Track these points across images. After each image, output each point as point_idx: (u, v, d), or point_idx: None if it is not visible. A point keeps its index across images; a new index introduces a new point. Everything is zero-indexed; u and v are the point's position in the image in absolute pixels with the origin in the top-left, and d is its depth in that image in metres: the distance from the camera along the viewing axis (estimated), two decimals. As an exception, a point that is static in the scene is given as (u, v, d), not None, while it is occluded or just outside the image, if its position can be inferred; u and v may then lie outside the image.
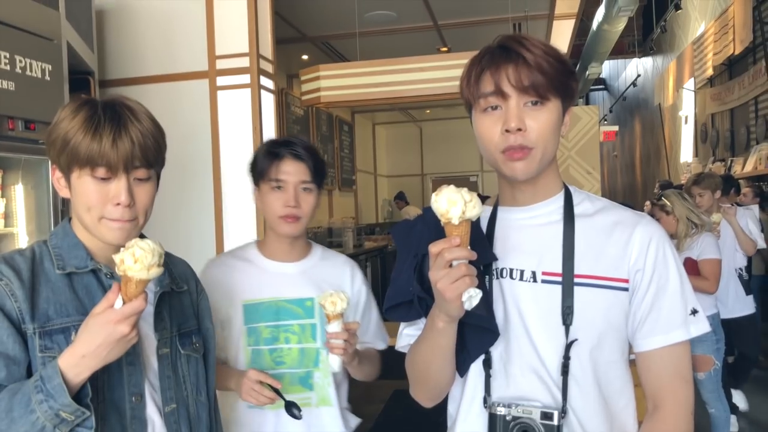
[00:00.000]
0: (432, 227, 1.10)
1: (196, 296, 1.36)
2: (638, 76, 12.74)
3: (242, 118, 3.29)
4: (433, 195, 1.03)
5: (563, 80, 1.09)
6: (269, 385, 1.51)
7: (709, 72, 7.72)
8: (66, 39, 2.56)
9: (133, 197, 1.12)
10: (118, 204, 1.11)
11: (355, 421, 1.73)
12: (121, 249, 1.01)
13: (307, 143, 1.65)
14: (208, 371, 1.33)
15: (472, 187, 12.42)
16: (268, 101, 3.40)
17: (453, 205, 1.00)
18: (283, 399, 1.53)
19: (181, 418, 1.22)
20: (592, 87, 16.63)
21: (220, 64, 3.31)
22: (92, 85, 3.03)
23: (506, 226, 1.18)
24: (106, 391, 1.11)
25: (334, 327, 1.48)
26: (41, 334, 1.07)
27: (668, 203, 3.55)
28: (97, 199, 1.11)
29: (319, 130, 9.08)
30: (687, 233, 3.50)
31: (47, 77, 2.38)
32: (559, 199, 1.17)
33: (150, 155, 1.14)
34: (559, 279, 1.11)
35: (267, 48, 3.40)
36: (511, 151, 1.08)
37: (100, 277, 1.16)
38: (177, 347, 1.24)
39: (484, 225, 1.20)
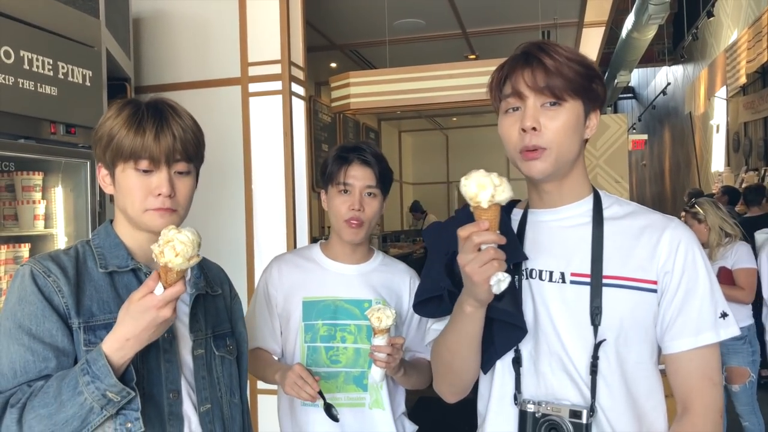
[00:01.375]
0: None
1: (230, 300, 1.39)
2: (668, 84, 12.58)
3: (273, 125, 3.33)
4: (462, 179, 1.04)
5: (583, 83, 1.11)
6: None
7: (743, 80, 7.59)
8: (105, 46, 2.63)
9: (174, 189, 1.17)
10: (160, 194, 1.16)
11: (411, 428, 1.74)
12: (159, 239, 1.03)
13: (376, 150, 1.69)
14: (241, 374, 1.36)
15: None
16: (299, 108, 3.44)
17: (482, 188, 1.01)
18: (323, 399, 1.55)
19: (216, 418, 1.25)
20: (621, 95, 16.46)
21: (253, 71, 3.36)
22: (128, 91, 3.10)
23: (536, 227, 1.20)
24: (145, 386, 1.14)
25: (379, 341, 1.49)
26: (86, 329, 1.11)
27: (701, 211, 3.51)
28: (140, 191, 1.16)
29: (346, 137, 9.13)
30: (719, 242, 3.45)
31: (87, 83, 2.44)
32: (588, 202, 1.19)
33: (190, 149, 1.19)
34: (588, 280, 1.12)
35: (298, 55, 3.44)
36: (526, 150, 1.11)
37: (140, 276, 1.21)
38: (212, 348, 1.28)
39: (515, 226, 1.22)
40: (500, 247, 1.03)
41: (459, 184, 1.07)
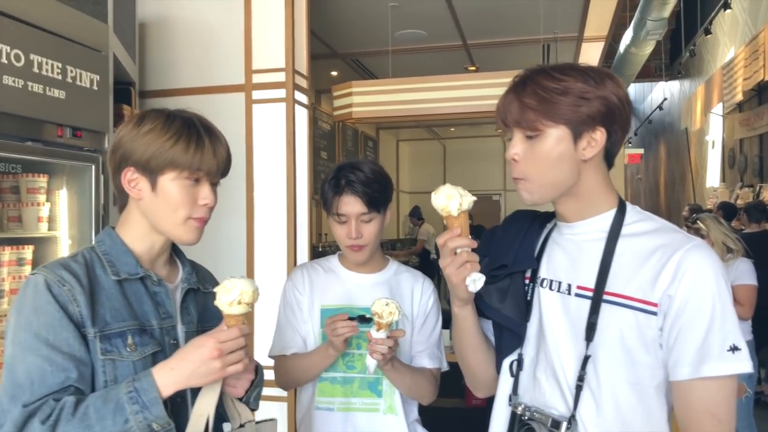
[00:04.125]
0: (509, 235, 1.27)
1: None
2: (665, 99, 12.68)
3: (276, 132, 3.34)
4: (432, 194, 1.17)
5: (565, 109, 1.11)
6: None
7: (739, 97, 7.66)
8: (112, 50, 2.64)
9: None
10: (205, 204, 1.21)
11: None
12: (229, 290, 1.14)
13: (366, 175, 1.68)
14: None
15: (495, 206, 12.44)
16: (302, 116, 3.46)
17: (451, 199, 1.15)
18: (355, 318, 1.60)
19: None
20: (617, 109, 16.48)
21: (257, 78, 3.38)
22: (133, 96, 3.11)
23: (556, 239, 1.24)
24: (168, 400, 1.15)
25: (381, 334, 1.51)
26: (101, 338, 1.12)
27: (703, 227, 3.53)
28: (187, 200, 1.20)
29: (345, 145, 9.16)
30: (722, 258, 3.48)
31: (95, 87, 2.45)
32: (607, 218, 1.18)
33: (229, 165, 1.26)
34: (591, 294, 1.13)
35: (302, 63, 3.47)
36: (514, 179, 1.19)
37: (147, 284, 1.22)
38: None
39: (543, 235, 1.27)
40: (513, 251, 1.15)
41: (463, 199, 1.16)
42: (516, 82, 1.17)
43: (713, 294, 1.06)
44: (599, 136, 1.13)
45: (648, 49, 8.85)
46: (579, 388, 1.12)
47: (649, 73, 13.11)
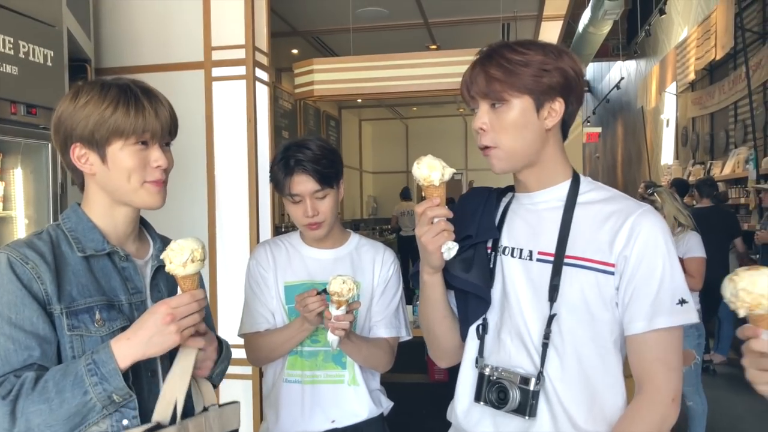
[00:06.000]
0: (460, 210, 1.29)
1: None
2: (621, 78, 12.92)
3: (237, 109, 3.31)
4: (415, 163, 1.20)
5: (528, 80, 1.18)
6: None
7: (691, 76, 7.87)
8: (66, 25, 2.58)
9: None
10: (158, 167, 1.21)
11: (387, 403, 1.83)
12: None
13: (314, 152, 1.68)
14: None
15: (457, 185, 12.54)
16: (263, 93, 3.43)
17: (433, 170, 1.19)
18: (322, 291, 1.61)
19: None
20: (576, 89, 16.71)
21: (216, 55, 3.32)
22: (89, 73, 3.04)
23: (516, 210, 1.30)
24: (130, 371, 1.15)
25: (341, 311, 1.54)
26: (68, 314, 1.13)
27: (659, 200, 3.66)
28: (139, 165, 1.19)
29: (307, 124, 9.11)
30: (673, 232, 3.61)
31: (49, 63, 2.40)
32: (563, 187, 1.26)
33: (176, 125, 1.25)
34: (552, 259, 1.21)
35: (262, 40, 3.43)
36: (482, 148, 1.24)
37: (115, 260, 1.23)
38: None
39: (502, 207, 1.33)
40: (476, 222, 1.20)
41: (445, 170, 1.20)
42: (482, 56, 1.23)
43: (663, 254, 1.18)
44: (558, 106, 1.22)
45: (606, 28, 8.97)
46: (545, 346, 1.20)
47: (607, 52, 13.31)
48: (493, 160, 1.24)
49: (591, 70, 16.23)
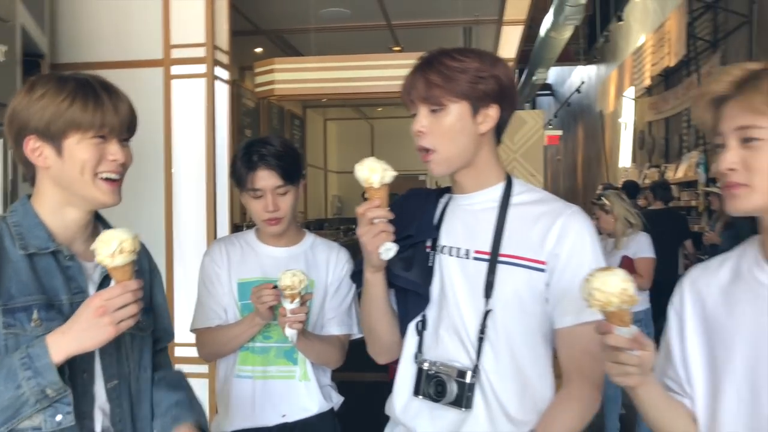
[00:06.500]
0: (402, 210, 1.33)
1: (148, 275, 1.40)
2: (582, 82, 13.20)
3: (196, 108, 3.30)
4: (357, 165, 1.24)
5: (465, 86, 1.24)
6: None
7: (647, 82, 8.11)
8: (20, 21, 2.55)
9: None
10: (114, 160, 1.19)
11: (337, 398, 1.86)
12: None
13: (277, 148, 1.73)
14: (157, 348, 1.39)
15: (421, 185, 12.60)
16: (222, 92, 3.43)
17: (374, 172, 1.23)
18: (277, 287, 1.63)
19: (123, 393, 1.27)
20: (539, 92, 17.05)
21: (176, 54, 3.31)
22: (43, 68, 3.00)
23: (453, 210, 1.36)
24: (64, 368, 1.14)
25: (295, 305, 1.57)
26: (4, 312, 1.10)
27: (608, 202, 3.77)
28: (94, 158, 1.17)
29: (270, 123, 9.07)
30: (624, 232, 3.72)
31: (2, 58, 2.37)
32: (498, 189, 1.33)
33: (136, 124, 1.25)
34: (487, 257, 1.27)
35: (223, 38, 3.43)
36: (420, 150, 1.29)
37: (59, 259, 1.19)
38: None
39: (440, 209, 1.38)
40: (415, 223, 1.24)
41: (385, 173, 1.24)
42: (422, 63, 1.28)
43: (591, 251, 1.25)
44: (493, 112, 1.27)
45: (567, 33, 9.16)
46: (481, 340, 1.25)
47: (569, 57, 13.57)
48: (431, 165, 1.29)
49: (553, 74, 16.51)
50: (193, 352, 1.97)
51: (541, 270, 1.25)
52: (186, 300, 3.10)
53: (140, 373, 1.32)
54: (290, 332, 1.60)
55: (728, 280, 1.08)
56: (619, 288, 0.95)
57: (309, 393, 1.78)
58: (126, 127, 1.21)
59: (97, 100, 1.16)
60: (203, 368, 3.10)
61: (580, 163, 14.10)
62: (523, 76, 12.05)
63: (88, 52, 3.39)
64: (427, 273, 1.33)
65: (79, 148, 1.16)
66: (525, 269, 1.25)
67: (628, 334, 0.97)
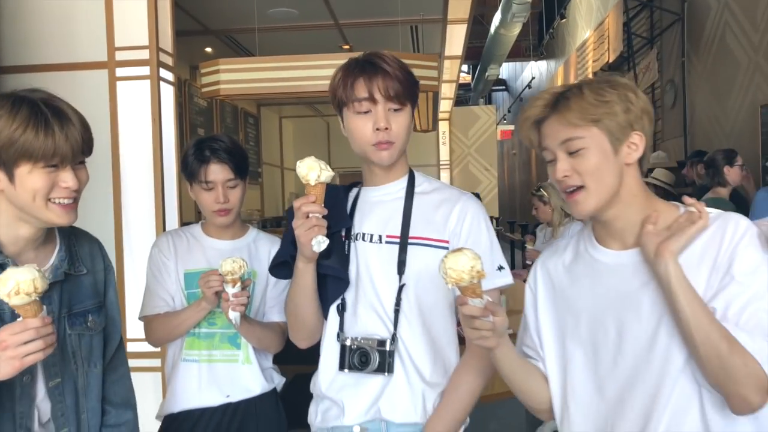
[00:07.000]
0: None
1: (102, 274, 1.46)
2: (533, 78, 13.52)
3: (142, 110, 3.34)
4: (297, 162, 1.36)
5: (413, 90, 1.44)
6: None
7: (590, 77, 8.40)
8: (-40, 26, 2.57)
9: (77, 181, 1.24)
10: (67, 188, 1.22)
11: (279, 379, 2.00)
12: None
13: (228, 144, 1.88)
14: (108, 343, 1.46)
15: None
16: (168, 93, 3.47)
17: (311, 170, 1.33)
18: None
19: (66, 390, 1.31)
20: (495, 87, 17.39)
21: (120, 56, 3.34)
22: (-14, 72, 3.01)
23: (365, 201, 1.52)
24: None
25: (237, 289, 1.70)
26: None
27: (546, 194, 3.96)
28: (46, 187, 1.20)
29: (224, 122, 9.09)
30: (561, 222, 3.91)
31: (-59, 64, 2.40)
32: (404, 181, 1.51)
33: (91, 144, 1.27)
34: (398, 240, 1.44)
35: (167, 40, 3.47)
36: (380, 144, 1.42)
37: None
38: (65, 327, 1.32)
39: (351, 199, 1.53)
40: (331, 216, 1.36)
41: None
42: (373, 61, 1.41)
43: (485, 231, 1.46)
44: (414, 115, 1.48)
45: (515, 30, 9.42)
46: (397, 312, 1.42)
47: (521, 52, 13.91)
48: (391, 154, 1.43)
49: (506, 70, 16.85)
50: (146, 347, 2.08)
51: (445, 248, 1.42)
52: (137, 295, 3.14)
53: (89, 369, 1.37)
54: (233, 314, 1.72)
55: (570, 259, 1.29)
56: (468, 266, 1.11)
57: (252, 375, 1.91)
58: (79, 153, 1.22)
59: (47, 130, 1.16)
60: (156, 362, 3.18)
61: (533, 156, 14.43)
62: (476, 72, 12.29)
63: (34, 54, 3.40)
64: (345, 259, 1.47)
65: (31, 177, 1.18)
66: (432, 248, 1.42)
67: (480, 303, 1.13)
